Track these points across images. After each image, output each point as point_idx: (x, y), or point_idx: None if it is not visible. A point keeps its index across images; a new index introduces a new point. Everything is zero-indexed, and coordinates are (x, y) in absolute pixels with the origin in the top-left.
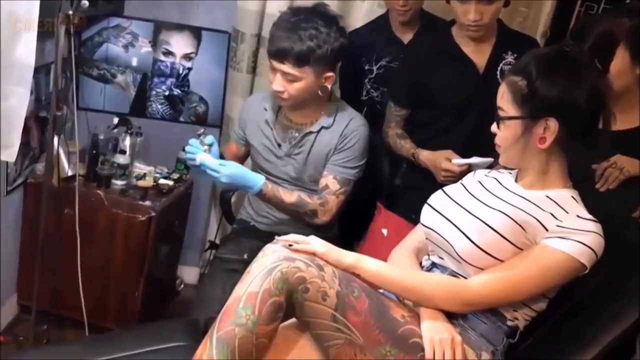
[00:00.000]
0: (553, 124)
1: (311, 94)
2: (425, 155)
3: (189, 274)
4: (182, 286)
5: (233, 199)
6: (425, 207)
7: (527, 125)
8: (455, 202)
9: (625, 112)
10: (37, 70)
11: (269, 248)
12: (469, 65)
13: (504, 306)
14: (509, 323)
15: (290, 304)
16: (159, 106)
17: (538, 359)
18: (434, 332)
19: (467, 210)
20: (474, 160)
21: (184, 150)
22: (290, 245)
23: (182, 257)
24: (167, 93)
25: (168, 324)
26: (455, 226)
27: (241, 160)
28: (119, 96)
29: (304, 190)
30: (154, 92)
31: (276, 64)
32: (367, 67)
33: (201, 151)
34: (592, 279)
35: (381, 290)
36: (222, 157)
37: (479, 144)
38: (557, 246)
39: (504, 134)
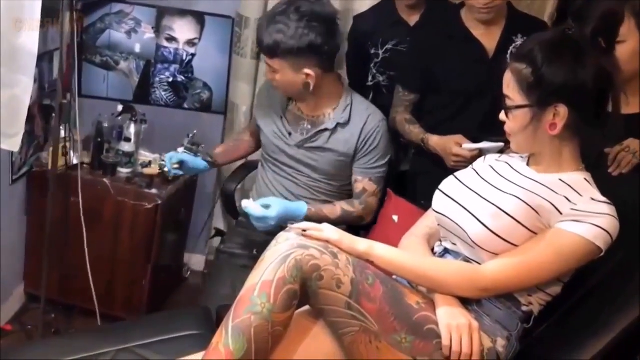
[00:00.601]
0: (562, 110)
1: (295, 88)
2: (435, 141)
3: (195, 261)
4: (188, 273)
5: (237, 194)
6: (437, 193)
7: (535, 113)
8: (468, 187)
9: (637, 94)
10: (40, 58)
11: (282, 236)
12: (478, 49)
13: (519, 291)
14: (524, 308)
15: (304, 291)
16: (163, 93)
17: (553, 345)
18: (451, 318)
19: (480, 196)
20: (485, 145)
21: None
22: (304, 231)
23: (189, 244)
24: (170, 79)
25: (180, 313)
26: (469, 212)
27: (259, 142)
28: (122, 83)
29: (320, 184)
30: (157, 79)
31: (266, 57)
32: (373, 52)
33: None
34: (606, 264)
35: (395, 277)
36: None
37: (489, 128)
38: (572, 229)
39: (512, 123)
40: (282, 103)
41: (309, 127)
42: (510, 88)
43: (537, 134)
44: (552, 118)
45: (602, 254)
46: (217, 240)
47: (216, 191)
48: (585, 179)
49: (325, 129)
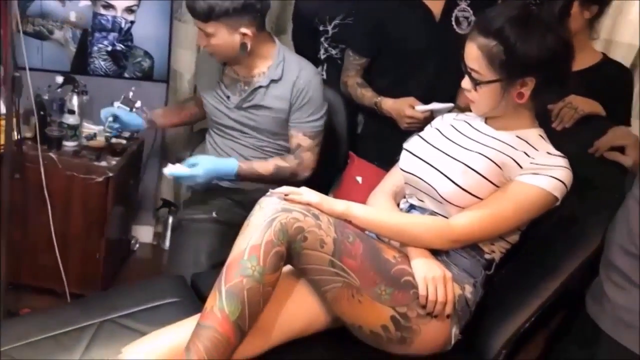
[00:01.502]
0: (530, 81)
1: (231, 51)
2: (388, 104)
3: (143, 233)
4: (137, 246)
5: None
6: (404, 153)
7: (505, 85)
8: (434, 146)
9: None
10: None
11: (264, 201)
12: (425, 12)
13: (484, 241)
14: (487, 256)
15: (288, 253)
16: (102, 62)
17: (512, 287)
18: (426, 270)
19: (447, 155)
20: (435, 106)
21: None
22: (285, 195)
23: (136, 216)
24: (109, 48)
25: (155, 282)
26: (438, 170)
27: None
28: (58, 53)
29: (265, 142)
30: (95, 48)
31: (195, 20)
32: (321, 28)
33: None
34: (556, 213)
35: (366, 233)
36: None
37: (438, 90)
38: (532, 182)
39: (481, 95)
40: (219, 68)
41: (245, 87)
42: (480, 64)
43: (502, 102)
44: (520, 88)
45: (558, 204)
46: (164, 212)
47: (162, 161)
48: (540, 135)
49: (260, 87)
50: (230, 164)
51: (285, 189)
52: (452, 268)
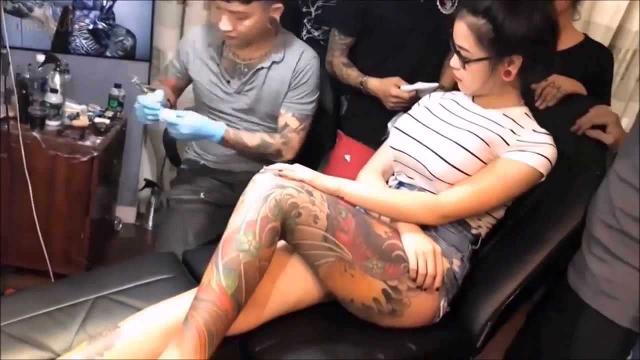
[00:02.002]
0: (517, 59)
1: (262, 29)
2: (374, 83)
3: (126, 213)
4: (120, 226)
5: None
6: (395, 132)
7: (493, 63)
8: (424, 125)
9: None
10: None
11: (258, 178)
12: None
13: (472, 216)
14: (473, 231)
15: (282, 229)
16: (83, 41)
17: (497, 261)
18: (417, 244)
19: (437, 132)
20: (420, 85)
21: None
22: (280, 171)
23: (119, 197)
24: (91, 27)
25: (147, 259)
26: (429, 148)
27: (180, 93)
28: (38, 31)
29: (260, 127)
30: (76, 26)
31: (223, 4)
32: (304, 10)
33: (158, 108)
34: (540, 189)
35: (358, 208)
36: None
37: (422, 70)
38: (518, 158)
39: (469, 73)
40: (217, 50)
41: (246, 70)
42: (469, 42)
43: (489, 80)
44: (507, 66)
45: (543, 179)
46: (146, 192)
47: (143, 140)
48: (526, 113)
49: (262, 68)
50: (217, 127)
51: (279, 165)
52: (440, 243)
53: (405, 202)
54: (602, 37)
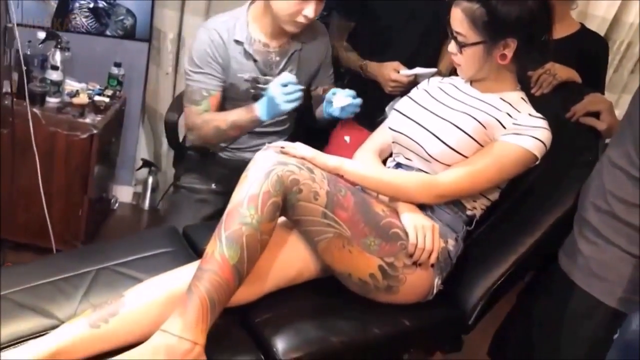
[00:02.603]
0: (512, 42)
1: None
2: (373, 67)
3: (122, 192)
4: (116, 205)
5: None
6: (394, 113)
7: (488, 47)
8: (423, 107)
9: (556, 22)
10: None
11: (260, 154)
12: None
13: (468, 196)
14: (468, 212)
15: (283, 204)
16: (84, 19)
17: (491, 242)
18: (416, 220)
19: (436, 114)
20: (419, 70)
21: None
22: (282, 148)
23: (116, 176)
24: (91, 5)
25: (149, 233)
26: (427, 130)
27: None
28: (38, 9)
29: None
30: (77, 4)
31: None
32: None
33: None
34: (534, 172)
35: (358, 188)
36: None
37: (421, 55)
38: (514, 141)
39: (466, 58)
40: (250, 45)
41: (278, 58)
42: (464, 26)
43: (486, 63)
44: (502, 49)
45: (538, 162)
46: (144, 171)
47: (141, 120)
48: (522, 98)
49: (294, 51)
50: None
51: (280, 143)
52: (436, 222)
53: (403, 180)
54: (597, 28)
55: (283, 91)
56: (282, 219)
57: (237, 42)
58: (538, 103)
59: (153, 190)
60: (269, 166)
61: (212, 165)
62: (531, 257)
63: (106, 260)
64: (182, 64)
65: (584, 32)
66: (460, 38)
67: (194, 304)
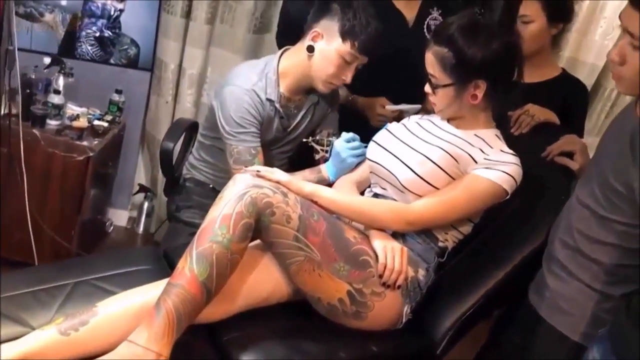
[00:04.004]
0: (482, 83)
1: None
2: (361, 102)
3: (118, 216)
4: (111, 228)
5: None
6: (372, 144)
7: (458, 88)
8: (399, 139)
9: (539, 66)
10: None
11: (238, 177)
12: (399, 18)
13: (439, 226)
14: (440, 244)
15: (257, 225)
16: (89, 47)
17: (462, 275)
18: (386, 243)
19: (409, 146)
20: (404, 106)
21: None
22: (258, 172)
23: (112, 200)
24: (97, 34)
25: (130, 251)
26: (400, 160)
27: None
28: (47, 36)
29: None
30: (84, 33)
31: (361, 58)
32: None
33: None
34: (506, 209)
35: (334, 216)
36: None
37: (407, 92)
38: (484, 175)
39: (439, 98)
40: (279, 102)
41: (295, 111)
42: (435, 69)
43: (460, 104)
44: (473, 90)
45: (508, 197)
46: (140, 196)
47: (140, 147)
48: (496, 135)
49: (311, 105)
50: None
51: (257, 167)
52: (408, 252)
53: (375, 207)
54: (588, 74)
55: (348, 146)
56: (258, 241)
57: (269, 100)
58: (516, 142)
59: (148, 215)
60: (243, 188)
61: (213, 199)
62: (501, 290)
63: (86, 273)
64: (181, 93)
65: (566, 77)
66: (433, 80)
67: (161, 317)
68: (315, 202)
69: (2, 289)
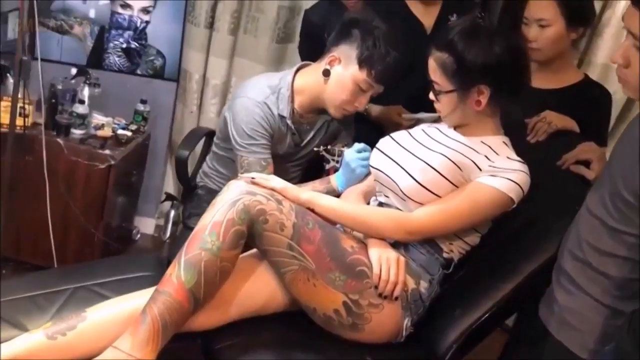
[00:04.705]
0: (485, 89)
1: None
2: (377, 111)
3: (145, 224)
4: (138, 236)
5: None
6: (375, 151)
7: (461, 94)
8: (401, 146)
9: (558, 72)
10: None
11: (232, 184)
12: (417, 25)
13: (441, 236)
14: (445, 255)
15: (250, 233)
16: (116, 58)
17: (470, 287)
18: (381, 253)
19: (411, 153)
20: (422, 115)
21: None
22: (253, 179)
23: (139, 208)
24: (124, 46)
25: (133, 257)
26: (401, 167)
27: None
28: (76, 47)
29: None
30: (111, 45)
31: (377, 87)
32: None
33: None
34: (517, 219)
35: (338, 226)
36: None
37: (424, 100)
38: (488, 182)
39: (442, 104)
40: (290, 119)
41: (308, 127)
42: (437, 75)
43: (465, 110)
44: (477, 96)
45: (515, 206)
46: (167, 205)
47: (167, 156)
48: (504, 142)
49: (325, 122)
50: None
51: (253, 174)
52: (410, 263)
53: (373, 216)
54: (598, 75)
55: (358, 157)
56: (255, 250)
57: (281, 116)
58: (532, 150)
59: (174, 223)
60: (236, 195)
61: None
62: (509, 303)
63: (86, 279)
64: (205, 102)
65: (588, 83)
66: (436, 86)
67: (146, 324)
68: (313, 210)
69: (2, 293)
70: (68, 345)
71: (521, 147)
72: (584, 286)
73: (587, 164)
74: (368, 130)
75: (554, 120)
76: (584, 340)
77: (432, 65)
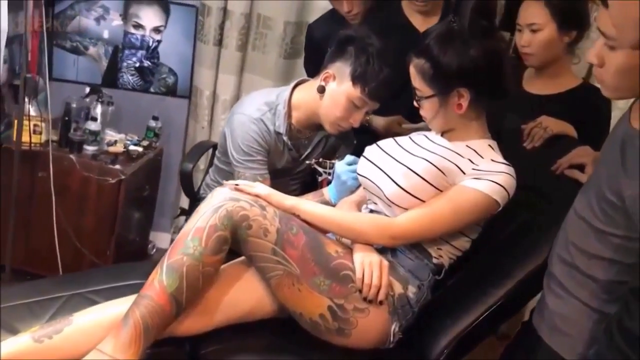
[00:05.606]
0: (464, 92)
1: None
2: (378, 121)
3: (161, 239)
4: (154, 250)
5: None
6: (361, 159)
7: (441, 99)
8: (386, 152)
9: (554, 77)
10: (10, 41)
11: (217, 190)
12: (416, 36)
13: (427, 240)
14: (435, 261)
15: (235, 239)
16: (130, 77)
17: (461, 292)
18: (364, 256)
19: (394, 159)
20: (422, 125)
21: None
22: (237, 185)
23: (155, 223)
24: (137, 64)
25: (129, 265)
26: (385, 173)
27: None
28: (92, 67)
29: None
30: (124, 64)
31: (372, 104)
32: None
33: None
34: (510, 225)
35: (329, 234)
36: None
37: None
38: (472, 185)
39: (425, 110)
40: (287, 135)
41: (306, 142)
42: (417, 81)
43: (447, 115)
44: (457, 100)
45: (500, 209)
46: (182, 219)
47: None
48: (490, 145)
49: (323, 137)
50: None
51: (237, 181)
52: (398, 268)
53: (357, 221)
54: None
55: (349, 169)
56: (243, 257)
57: (277, 133)
58: (527, 156)
59: None
60: (220, 201)
61: None
62: (502, 309)
63: (82, 286)
64: (216, 118)
65: (586, 88)
66: (417, 92)
67: (128, 327)
68: (297, 216)
69: (3, 299)
70: (54, 348)
71: (517, 153)
72: (572, 290)
73: (581, 168)
74: (370, 141)
75: (550, 125)
76: (574, 344)
77: (412, 72)
